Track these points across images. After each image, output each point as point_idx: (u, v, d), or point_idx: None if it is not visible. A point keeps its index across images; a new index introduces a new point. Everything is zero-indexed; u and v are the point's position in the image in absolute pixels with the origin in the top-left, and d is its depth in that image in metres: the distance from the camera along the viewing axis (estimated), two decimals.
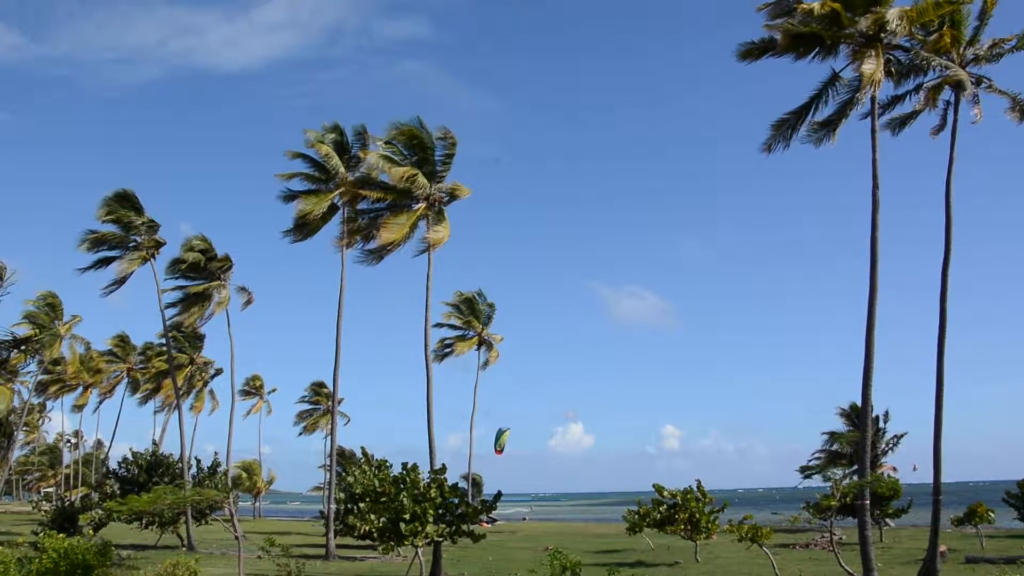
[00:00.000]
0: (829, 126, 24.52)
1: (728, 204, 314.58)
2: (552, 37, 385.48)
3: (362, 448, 29.32)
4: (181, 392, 52.46)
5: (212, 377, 71.96)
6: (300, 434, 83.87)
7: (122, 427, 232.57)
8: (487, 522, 50.61)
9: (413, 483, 23.27)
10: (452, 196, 32.61)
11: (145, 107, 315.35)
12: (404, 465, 23.82)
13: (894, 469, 53.45)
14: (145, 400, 72.73)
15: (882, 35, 22.88)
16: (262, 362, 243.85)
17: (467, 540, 24.98)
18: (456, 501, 24.35)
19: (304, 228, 37.70)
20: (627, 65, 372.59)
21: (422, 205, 32.18)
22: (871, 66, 22.42)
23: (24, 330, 50.09)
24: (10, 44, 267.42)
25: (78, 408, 77.78)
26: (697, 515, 30.24)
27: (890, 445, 53.51)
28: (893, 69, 24.80)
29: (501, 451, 65.74)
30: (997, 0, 24.20)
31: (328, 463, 48.20)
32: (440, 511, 23.47)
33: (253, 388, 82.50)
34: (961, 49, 24.76)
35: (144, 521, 34.86)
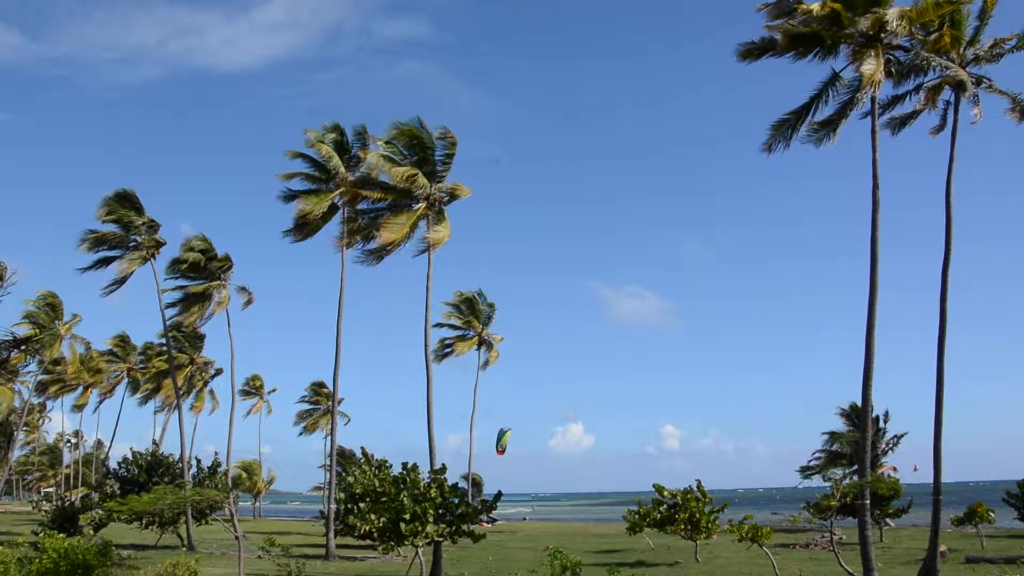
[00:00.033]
0: (829, 126, 24.53)
1: (728, 204, 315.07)
2: (552, 37, 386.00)
3: (362, 448, 29.35)
4: (181, 392, 52.46)
5: (212, 377, 72.08)
6: (300, 434, 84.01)
7: (122, 427, 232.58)
8: (487, 522, 50.58)
9: (413, 483, 23.27)
10: (452, 196, 32.63)
11: (145, 107, 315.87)
12: (404, 465, 23.83)
13: (894, 469, 53.44)
14: (145, 400, 72.86)
15: (882, 35, 22.88)
16: (262, 362, 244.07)
17: (467, 540, 24.99)
18: (456, 501, 24.35)
19: (304, 228, 37.70)
20: (627, 65, 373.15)
21: (422, 205, 32.19)
22: (871, 66, 22.42)
23: (24, 330, 50.14)
24: (10, 44, 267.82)
25: (78, 408, 77.99)
26: (697, 515, 30.25)
27: (890, 445, 53.49)
28: (893, 69, 24.80)
29: (503, 452, 65.75)
30: (997, 0, 24.21)
31: (328, 463, 48.21)
32: (440, 511, 23.48)
33: (253, 388, 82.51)
34: (961, 49, 24.75)
35: (144, 521, 34.88)
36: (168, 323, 43.03)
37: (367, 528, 23.24)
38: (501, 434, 65.76)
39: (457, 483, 27.20)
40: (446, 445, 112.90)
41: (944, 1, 22.46)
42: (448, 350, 60.56)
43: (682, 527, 30.63)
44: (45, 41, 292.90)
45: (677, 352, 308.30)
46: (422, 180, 31.41)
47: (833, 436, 56.17)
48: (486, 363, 61.01)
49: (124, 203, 40.24)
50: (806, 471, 57.23)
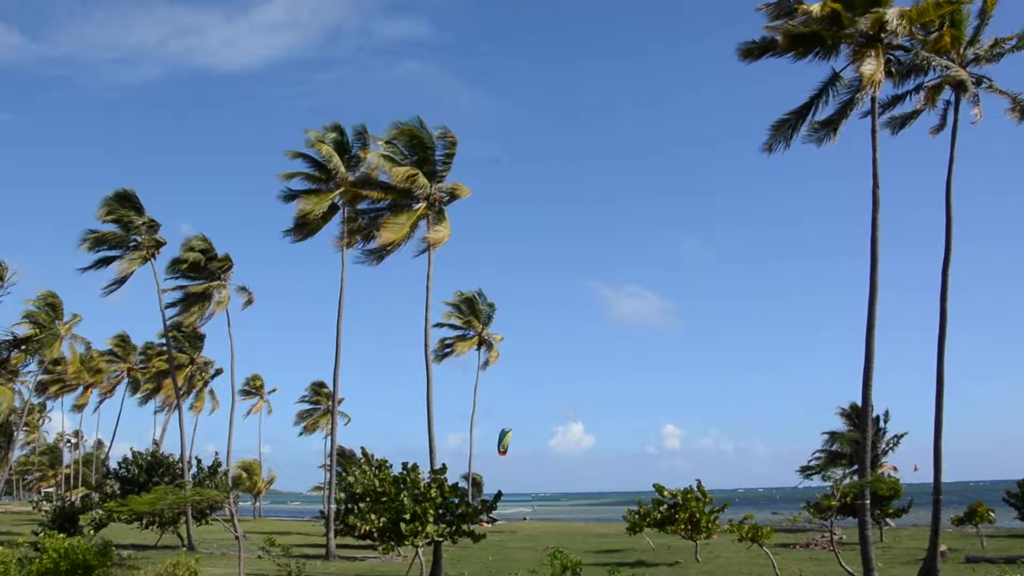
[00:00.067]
0: (830, 126, 24.53)
1: (728, 204, 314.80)
2: (552, 37, 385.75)
3: (362, 448, 29.36)
4: (181, 392, 52.48)
5: (212, 377, 72.10)
6: (300, 434, 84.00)
7: (122, 427, 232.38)
8: (487, 522, 50.60)
9: (413, 483, 23.27)
10: (452, 196, 32.63)
11: (145, 107, 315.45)
12: (404, 465, 23.83)
13: (894, 469, 53.39)
14: (145, 400, 72.88)
15: (882, 35, 22.88)
16: (262, 362, 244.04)
17: (467, 540, 24.98)
18: (456, 501, 24.35)
19: (304, 228, 37.70)
20: (627, 65, 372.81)
21: (422, 205, 32.19)
22: (871, 66, 22.42)
23: (24, 330, 50.15)
24: (10, 44, 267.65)
25: (78, 408, 77.96)
26: (697, 515, 30.25)
27: (890, 445, 53.45)
28: (893, 69, 24.80)
29: (504, 452, 65.80)
30: (997, 0, 24.21)
31: (328, 463, 48.22)
32: (440, 511, 23.47)
33: (253, 388, 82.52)
34: (961, 49, 24.74)
35: (144, 521, 34.90)
36: (168, 323, 43.04)
37: (367, 528, 23.25)
38: (503, 434, 65.81)
39: (457, 483, 27.20)
40: (446, 445, 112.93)
41: (944, 1, 22.46)
42: (448, 350, 60.57)
43: (682, 527, 30.63)
44: (45, 41, 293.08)
45: (677, 352, 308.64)
46: (422, 180, 31.41)
47: (833, 436, 56.10)
48: (486, 363, 61.07)
49: (124, 203, 40.25)
50: (806, 471, 57.16)
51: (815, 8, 22.41)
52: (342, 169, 36.69)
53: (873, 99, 23.56)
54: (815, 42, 23.62)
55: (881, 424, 52.81)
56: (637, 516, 32.69)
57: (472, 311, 60.20)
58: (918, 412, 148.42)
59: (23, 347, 48.55)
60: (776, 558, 26.10)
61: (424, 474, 24.00)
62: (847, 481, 27.76)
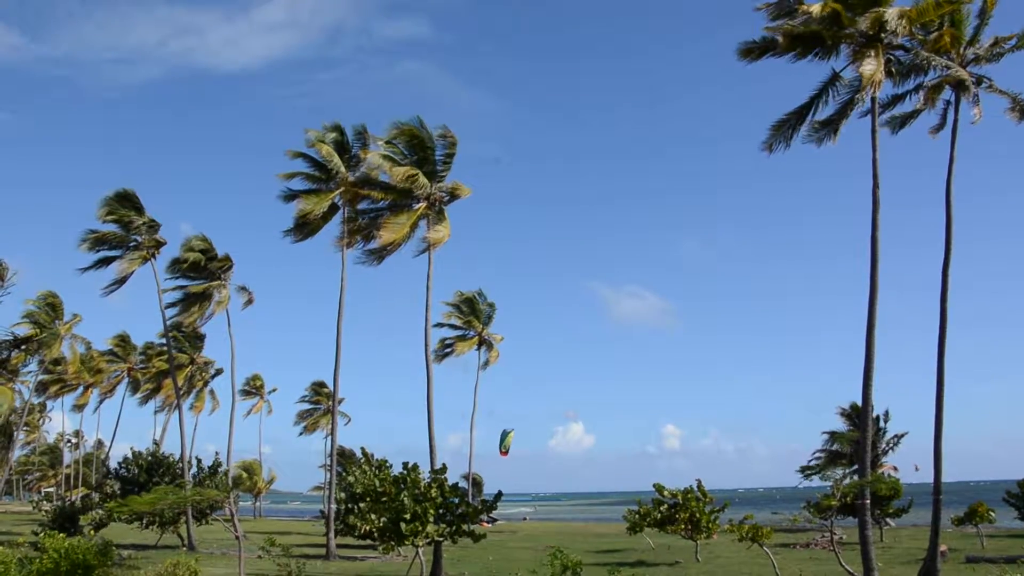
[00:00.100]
0: (830, 126, 24.53)
1: (728, 204, 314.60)
2: (552, 37, 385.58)
3: (362, 448, 29.43)
4: (181, 392, 52.50)
5: (212, 377, 72.11)
6: (300, 434, 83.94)
7: (122, 427, 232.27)
8: (487, 522, 50.61)
9: (414, 483, 23.28)
10: (452, 196, 32.63)
11: (145, 107, 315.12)
12: (405, 465, 23.84)
13: (895, 469, 53.36)
14: (145, 400, 72.86)
15: (882, 35, 22.87)
16: (262, 362, 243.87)
17: (467, 540, 24.98)
18: (457, 501, 24.35)
19: (304, 228, 37.71)
20: (627, 65, 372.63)
21: (422, 205, 32.20)
22: (871, 66, 22.42)
23: (24, 330, 50.15)
24: (10, 44, 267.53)
25: (78, 408, 77.95)
26: (698, 515, 30.26)
27: (890, 445, 53.41)
28: (893, 69, 24.81)
29: (506, 452, 65.78)
30: (997, 0, 24.21)
31: (328, 463, 48.26)
32: (441, 511, 23.47)
33: (253, 388, 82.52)
34: (961, 49, 24.74)
35: (145, 521, 34.92)
36: (168, 323, 43.04)
37: (367, 528, 23.26)
38: (504, 435, 65.81)
39: (457, 483, 27.21)
40: (446, 445, 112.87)
41: (944, 1, 22.46)
42: (448, 350, 60.57)
43: (682, 527, 30.64)
44: (45, 41, 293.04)
45: (677, 352, 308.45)
46: (422, 180, 31.41)
47: (833, 436, 56.07)
48: (486, 363, 61.07)
49: (124, 203, 40.26)
50: (806, 471, 57.13)
51: (815, 8, 22.41)
52: (342, 169, 36.69)
53: (873, 99, 23.57)
54: (815, 42, 23.63)
55: (881, 424, 52.77)
56: (637, 516, 32.70)
57: (472, 311, 60.20)
58: (918, 412, 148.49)
59: (23, 347, 48.57)
60: (776, 558, 26.10)
61: (424, 474, 24.01)
62: (847, 481, 27.78)
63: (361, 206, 35.65)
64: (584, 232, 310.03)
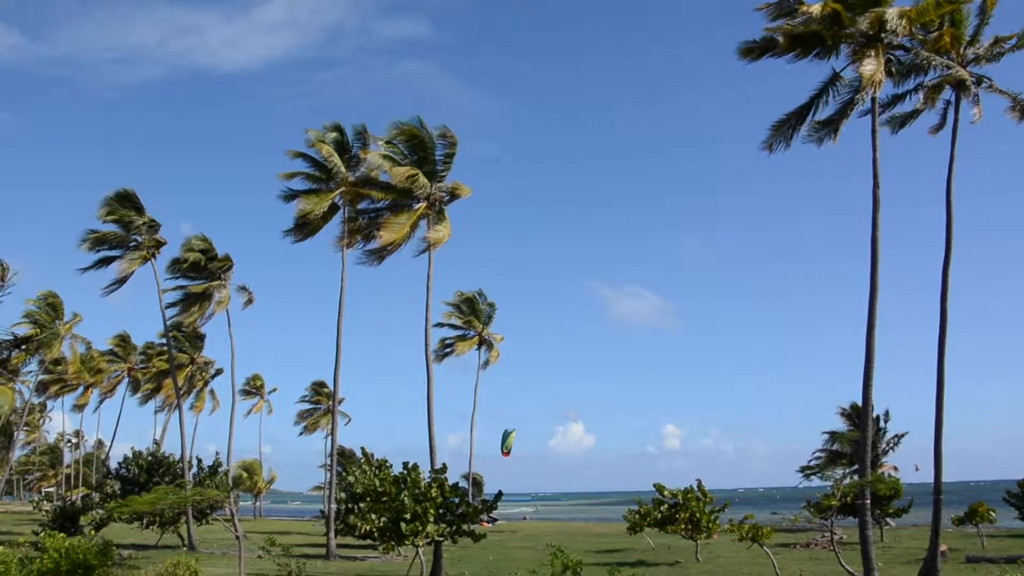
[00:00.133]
0: (830, 126, 24.54)
1: (728, 204, 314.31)
2: (552, 37, 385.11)
3: (362, 448, 29.47)
4: (181, 392, 52.52)
5: (212, 377, 72.15)
6: (301, 434, 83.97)
7: (123, 427, 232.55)
8: (488, 522, 50.61)
9: (414, 483, 23.28)
10: (452, 195, 32.64)
11: (145, 107, 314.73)
12: (405, 465, 23.85)
13: (895, 468, 53.36)
14: (146, 400, 72.89)
15: (882, 35, 22.87)
16: (262, 362, 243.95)
17: (468, 540, 24.98)
18: (457, 501, 24.35)
19: (305, 228, 37.72)
20: (627, 65, 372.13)
21: (423, 204, 32.20)
22: (871, 67, 22.42)
23: (25, 330, 50.15)
24: (10, 44, 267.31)
25: (79, 408, 78.00)
26: (698, 515, 30.26)
27: (891, 445, 53.39)
28: (893, 69, 24.80)
29: (508, 453, 65.76)
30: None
31: (329, 463, 48.27)
32: (441, 511, 23.47)
33: (253, 388, 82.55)
34: (961, 48, 24.73)
35: (145, 521, 34.93)
36: (168, 323, 43.07)
37: (368, 528, 23.27)
38: (506, 435, 65.80)
39: (458, 483, 27.23)
40: (446, 445, 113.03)
41: (944, 0, 22.46)
42: (448, 350, 60.58)
43: (683, 527, 30.64)
44: (45, 41, 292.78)
45: (677, 352, 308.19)
46: (422, 180, 31.42)
47: (833, 436, 56.05)
48: (486, 363, 61.09)
49: (124, 203, 40.28)
50: (806, 471, 57.08)
51: (815, 8, 22.42)
52: (342, 169, 36.70)
53: (873, 99, 23.56)
54: (815, 42, 23.63)
55: (881, 424, 52.76)
56: (637, 516, 32.70)
57: (472, 311, 60.22)
58: (918, 412, 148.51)
59: (23, 347, 48.56)
60: (776, 558, 26.10)
61: (424, 474, 24.02)
62: (847, 481, 27.81)
63: (361, 206, 35.67)
64: (584, 232, 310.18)
